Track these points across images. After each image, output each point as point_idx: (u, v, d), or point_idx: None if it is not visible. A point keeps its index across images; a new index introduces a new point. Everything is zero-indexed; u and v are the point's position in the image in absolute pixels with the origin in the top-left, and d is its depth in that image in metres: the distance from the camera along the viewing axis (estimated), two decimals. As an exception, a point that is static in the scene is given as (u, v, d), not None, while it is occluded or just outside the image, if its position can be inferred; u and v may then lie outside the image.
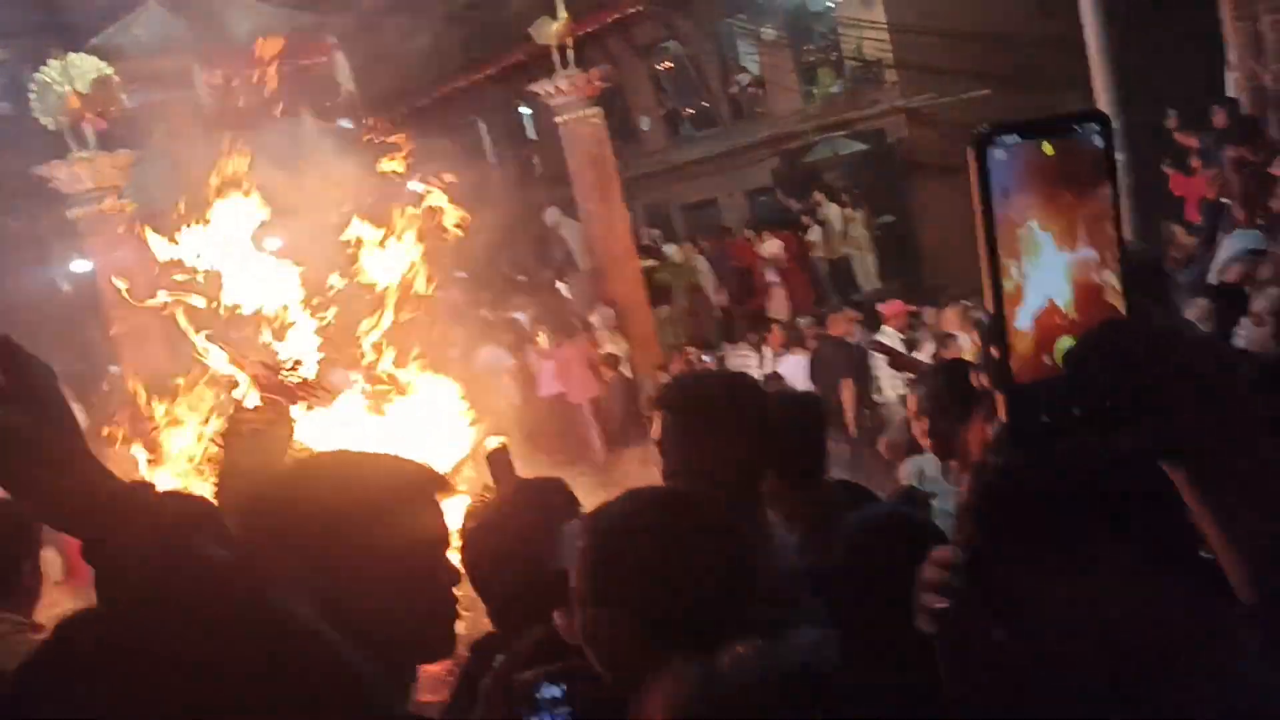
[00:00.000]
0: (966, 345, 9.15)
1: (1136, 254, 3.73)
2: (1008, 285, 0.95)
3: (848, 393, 10.51)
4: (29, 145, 12.13)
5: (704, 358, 12.39)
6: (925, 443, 3.47)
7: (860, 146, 18.21)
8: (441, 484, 1.61)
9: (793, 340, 11.34)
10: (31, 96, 11.37)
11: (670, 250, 16.43)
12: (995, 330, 0.96)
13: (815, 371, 10.70)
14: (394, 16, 19.76)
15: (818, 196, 16.83)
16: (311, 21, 18.94)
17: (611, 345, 13.06)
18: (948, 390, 3.26)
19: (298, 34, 18.58)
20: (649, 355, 13.46)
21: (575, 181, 13.91)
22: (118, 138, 12.76)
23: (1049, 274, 0.96)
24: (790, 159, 19.14)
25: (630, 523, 1.71)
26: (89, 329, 13.76)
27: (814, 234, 16.42)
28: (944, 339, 9.44)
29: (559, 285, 14.35)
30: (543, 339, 13.01)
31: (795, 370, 10.91)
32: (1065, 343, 0.96)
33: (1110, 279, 0.97)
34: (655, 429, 2.49)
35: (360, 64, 19.28)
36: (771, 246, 15.66)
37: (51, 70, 11.10)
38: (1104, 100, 6.63)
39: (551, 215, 15.27)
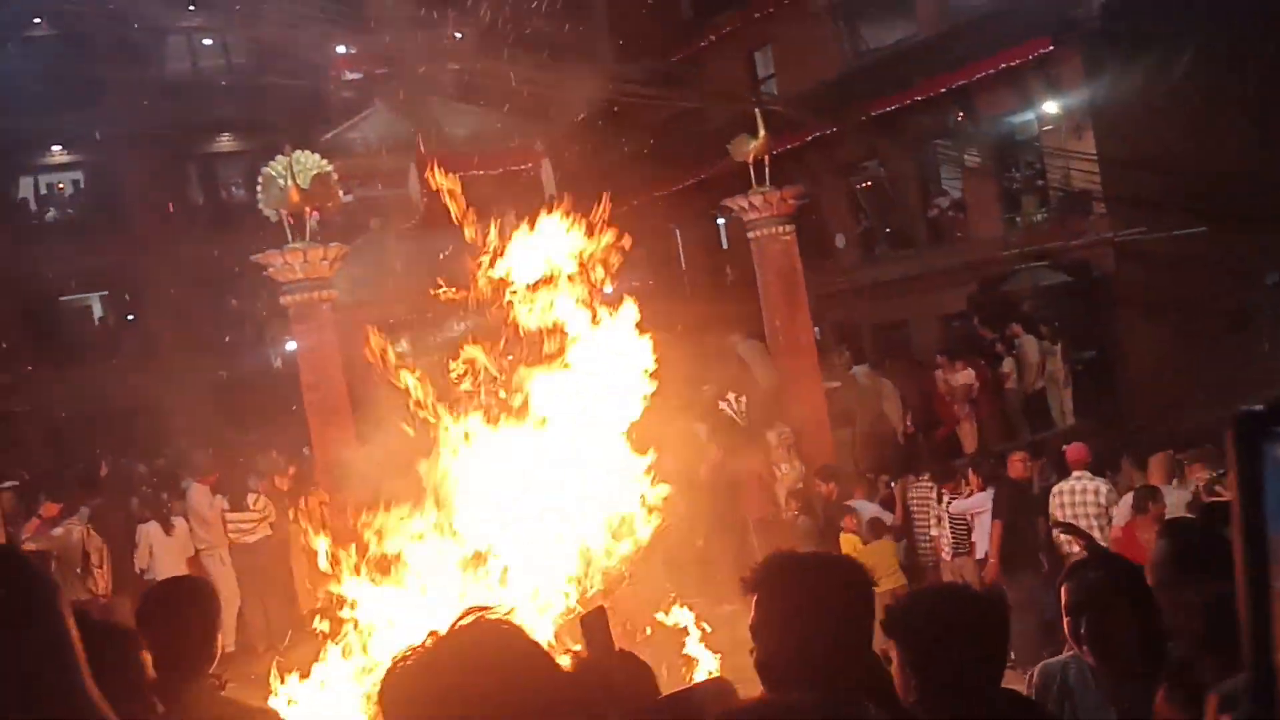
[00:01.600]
0: (1174, 503, 8.47)
1: None
2: None
3: (994, 539, 10.02)
4: (261, 232, 12.97)
5: (890, 484, 11.95)
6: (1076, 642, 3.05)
7: (1063, 278, 17.56)
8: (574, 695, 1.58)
9: (949, 478, 10.80)
10: (258, 188, 12.15)
11: (857, 371, 16.09)
12: None
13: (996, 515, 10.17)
14: (600, 128, 20.49)
15: (1015, 327, 16.22)
16: (524, 128, 19.79)
17: (786, 466, 12.79)
18: (1117, 585, 2.94)
19: (510, 140, 19.45)
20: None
21: (763, 296, 13.85)
22: (332, 230, 13.52)
23: None
24: (988, 286, 18.62)
25: None
26: (293, 405, 14.37)
27: (1008, 365, 15.80)
28: (1148, 495, 8.64)
29: (721, 404, 14.20)
30: (713, 453, 12.86)
31: (974, 508, 10.39)
32: None
33: None
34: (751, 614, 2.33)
35: (564, 168, 19.94)
36: (963, 375, 15.13)
37: (278, 165, 11.84)
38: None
39: (735, 338, 15.24)
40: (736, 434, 13.97)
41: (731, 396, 14.99)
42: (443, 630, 1.52)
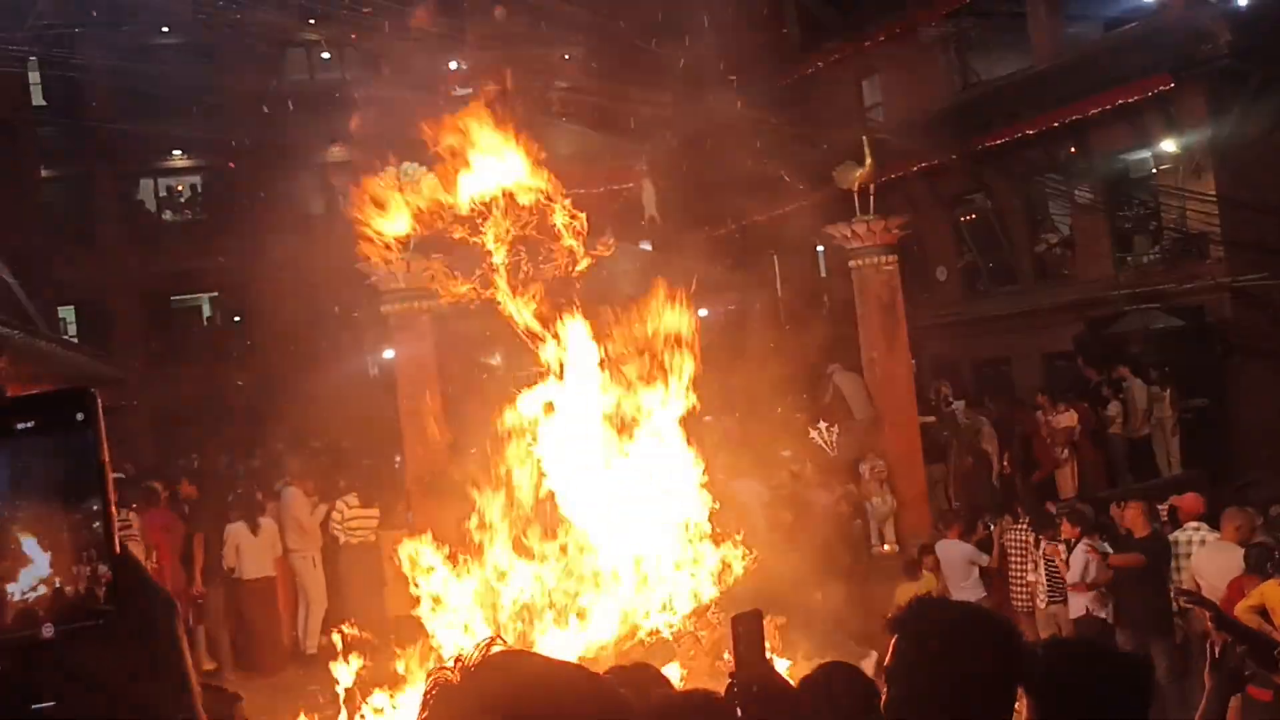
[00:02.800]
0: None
1: None
2: None
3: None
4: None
5: (989, 525, 11.60)
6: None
7: (1175, 321, 16.98)
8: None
9: (1047, 525, 10.41)
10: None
11: (956, 408, 15.75)
12: None
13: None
14: (703, 148, 20.47)
15: (1122, 370, 15.73)
16: (626, 148, 19.88)
17: (878, 500, 12.55)
18: None
19: (612, 159, 19.54)
20: (917, 514, 12.85)
21: (861, 325, 13.66)
22: (433, 243, 13.65)
23: None
24: (1095, 327, 18.10)
25: None
26: (386, 414, 14.54)
27: (1114, 409, 15.31)
28: (1267, 555, 8.09)
29: (812, 432, 13.99)
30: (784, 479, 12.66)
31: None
32: None
33: None
34: (887, 655, 2.27)
35: (665, 190, 19.95)
36: (1064, 418, 14.70)
37: (385, 176, 12.00)
38: None
39: (832, 366, 15.05)
40: (825, 463, 13.77)
41: (823, 425, 14.79)
42: (466, 660, 1.44)
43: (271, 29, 23.04)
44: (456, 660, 1.42)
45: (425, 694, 1.44)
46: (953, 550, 10.83)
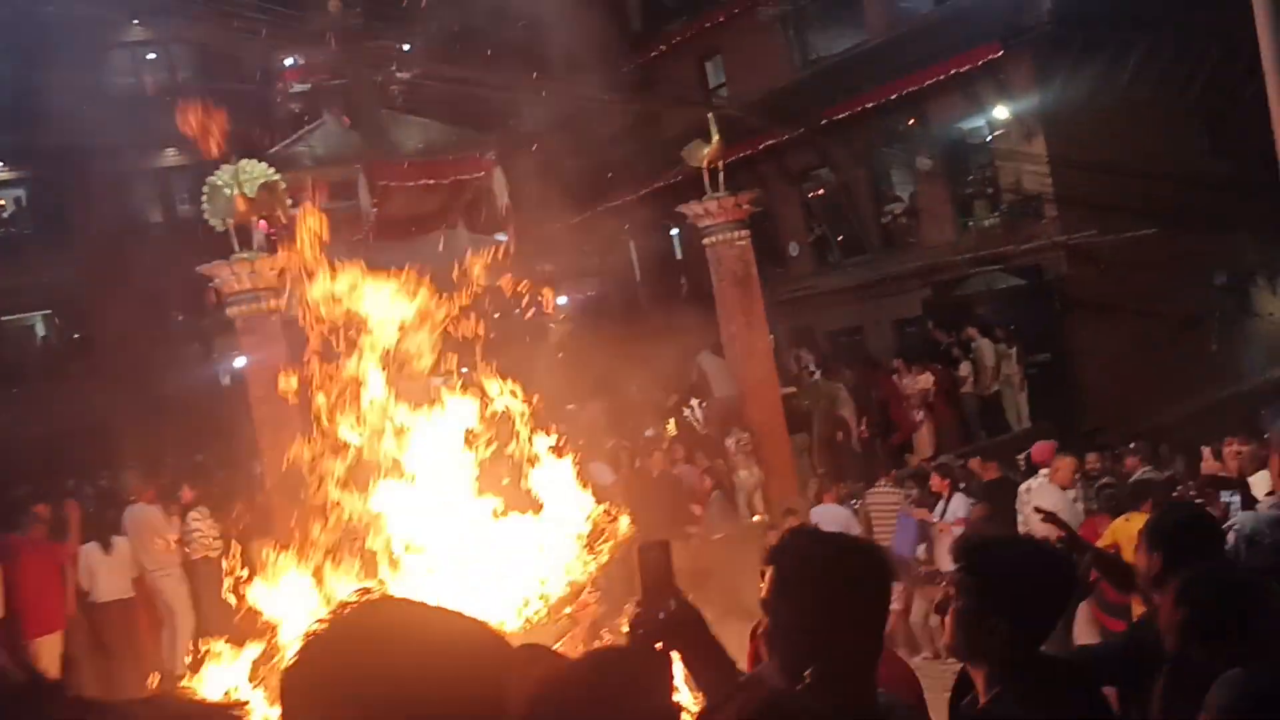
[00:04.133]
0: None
1: None
2: None
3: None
4: (208, 246, 12.63)
5: (853, 500, 11.81)
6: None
7: (1016, 281, 17.66)
8: (507, 658, 1.45)
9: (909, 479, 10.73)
10: (203, 198, 11.89)
11: (818, 376, 16.08)
12: None
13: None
14: (553, 137, 20.36)
15: (970, 330, 16.28)
16: (474, 138, 19.58)
17: (745, 472, 12.69)
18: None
19: (460, 150, 19.25)
20: (784, 484, 13.03)
21: (719, 302, 13.77)
22: (283, 243, 13.21)
23: None
24: (942, 291, 18.68)
25: None
26: (242, 423, 14.06)
27: (964, 369, 15.84)
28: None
29: (685, 410, 14.11)
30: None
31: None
32: None
33: None
34: (764, 586, 2.28)
35: (517, 180, 19.76)
36: (920, 380, 15.14)
37: (223, 174, 11.58)
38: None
39: (702, 353, 15.19)
40: (696, 439, 13.89)
41: (695, 403, 14.97)
42: (339, 609, 1.40)
43: (92, 27, 21.98)
44: (332, 610, 1.37)
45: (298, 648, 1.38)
46: (828, 515, 10.99)
